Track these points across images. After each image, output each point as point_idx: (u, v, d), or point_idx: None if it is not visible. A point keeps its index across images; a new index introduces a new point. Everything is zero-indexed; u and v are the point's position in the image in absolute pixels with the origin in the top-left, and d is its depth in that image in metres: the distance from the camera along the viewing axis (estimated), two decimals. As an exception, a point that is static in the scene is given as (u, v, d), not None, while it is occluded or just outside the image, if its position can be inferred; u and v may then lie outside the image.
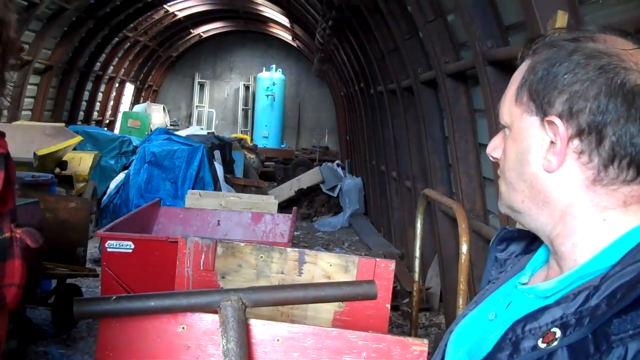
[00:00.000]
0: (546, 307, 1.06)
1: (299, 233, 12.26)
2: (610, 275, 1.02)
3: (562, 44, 1.11)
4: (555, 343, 1.00)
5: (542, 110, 1.10)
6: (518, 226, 1.34)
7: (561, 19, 3.54)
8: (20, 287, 1.49)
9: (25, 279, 1.51)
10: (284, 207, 12.29)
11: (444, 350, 1.29)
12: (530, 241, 1.31)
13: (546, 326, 1.03)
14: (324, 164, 17.26)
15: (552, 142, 1.09)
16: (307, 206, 15.11)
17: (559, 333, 1.01)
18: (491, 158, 1.23)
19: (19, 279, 1.49)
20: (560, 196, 1.10)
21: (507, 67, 4.91)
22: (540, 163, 1.11)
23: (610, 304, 0.98)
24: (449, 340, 1.29)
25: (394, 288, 6.94)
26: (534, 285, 1.16)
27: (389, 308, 3.04)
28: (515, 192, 1.16)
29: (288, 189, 15.48)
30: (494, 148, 1.21)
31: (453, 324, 1.33)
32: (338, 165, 17.68)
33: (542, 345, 1.01)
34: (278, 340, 1.98)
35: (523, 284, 1.20)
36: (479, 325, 1.22)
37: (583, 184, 1.08)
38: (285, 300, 2.13)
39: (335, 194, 15.24)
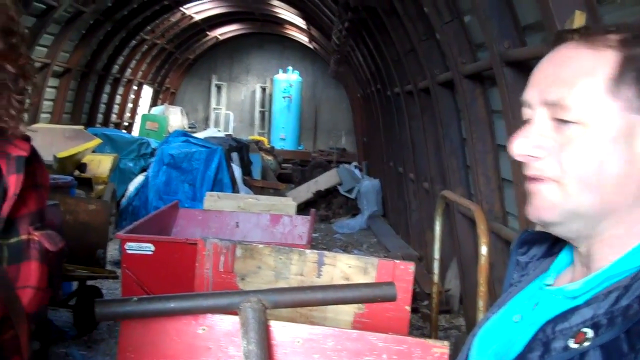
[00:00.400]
0: (576, 308, 1.06)
1: (317, 235, 12.27)
2: None
3: None
4: (587, 343, 1.00)
5: None
6: (538, 228, 1.33)
7: (579, 19, 3.53)
8: (39, 289, 1.50)
9: (46, 281, 1.52)
10: (301, 209, 12.28)
11: (467, 354, 1.29)
12: (552, 244, 1.30)
13: (577, 326, 1.03)
14: (341, 165, 17.26)
15: None
16: (325, 208, 15.10)
17: (590, 333, 1.01)
18: (520, 158, 1.12)
19: (35, 281, 1.50)
20: None
21: (524, 68, 4.89)
22: None
23: None
24: (472, 343, 1.29)
25: (414, 290, 6.92)
26: (562, 286, 1.16)
27: (409, 310, 3.04)
28: (590, 194, 1.08)
29: (306, 190, 15.49)
30: (537, 146, 1.11)
31: (476, 327, 1.33)
32: (355, 167, 17.66)
33: (573, 346, 1.02)
34: (298, 341, 1.98)
35: (548, 286, 1.20)
36: (504, 327, 1.22)
37: None
38: (305, 301, 2.13)
39: (353, 196, 15.23)
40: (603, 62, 1.08)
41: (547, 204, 1.10)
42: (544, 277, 1.23)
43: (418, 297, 7.83)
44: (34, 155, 1.59)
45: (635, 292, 1.00)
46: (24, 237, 1.51)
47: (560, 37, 1.15)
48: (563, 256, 1.24)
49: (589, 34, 1.11)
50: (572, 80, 1.08)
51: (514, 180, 5.16)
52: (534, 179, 1.12)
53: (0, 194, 1.48)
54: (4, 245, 1.47)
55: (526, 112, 1.15)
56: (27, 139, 1.56)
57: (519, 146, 1.12)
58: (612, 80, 1.06)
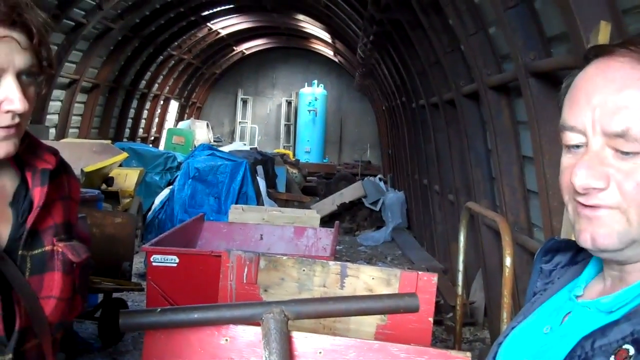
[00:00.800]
0: (614, 323, 1.03)
1: (341, 247, 12.25)
2: None
3: None
4: None
5: None
6: (563, 236, 1.31)
7: (604, 30, 3.50)
8: (61, 300, 1.52)
9: (69, 292, 1.54)
10: (326, 221, 12.31)
11: None
12: (576, 252, 1.28)
13: (617, 343, 1.00)
14: (366, 178, 17.24)
15: None
16: (349, 220, 15.09)
17: (632, 350, 0.98)
18: (583, 190, 1.06)
19: (58, 292, 1.51)
20: None
21: (550, 79, 4.85)
22: None
23: None
24: (497, 352, 1.28)
25: (437, 302, 6.88)
26: (596, 299, 1.13)
27: (432, 321, 3.03)
28: None
29: (330, 203, 15.49)
30: (600, 177, 1.05)
31: (501, 336, 1.32)
32: (380, 179, 17.64)
33: None
34: (320, 352, 1.97)
35: (577, 297, 1.18)
36: (533, 338, 1.20)
37: None
38: (327, 312, 2.13)
39: (377, 208, 15.20)
40: None
41: (609, 232, 1.06)
42: (573, 287, 1.21)
43: (442, 309, 7.77)
44: (62, 168, 1.61)
45: None
46: (47, 248, 1.53)
47: (601, 52, 1.09)
48: (591, 266, 1.22)
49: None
50: (638, 107, 1.02)
51: (540, 192, 5.11)
52: (592, 207, 1.06)
53: (26, 207, 1.50)
54: (27, 257, 1.49)
55: (573, 137, 1.09)
56: (55, 152, 1.59)
57: (583, 178, 1.05)
58: None
